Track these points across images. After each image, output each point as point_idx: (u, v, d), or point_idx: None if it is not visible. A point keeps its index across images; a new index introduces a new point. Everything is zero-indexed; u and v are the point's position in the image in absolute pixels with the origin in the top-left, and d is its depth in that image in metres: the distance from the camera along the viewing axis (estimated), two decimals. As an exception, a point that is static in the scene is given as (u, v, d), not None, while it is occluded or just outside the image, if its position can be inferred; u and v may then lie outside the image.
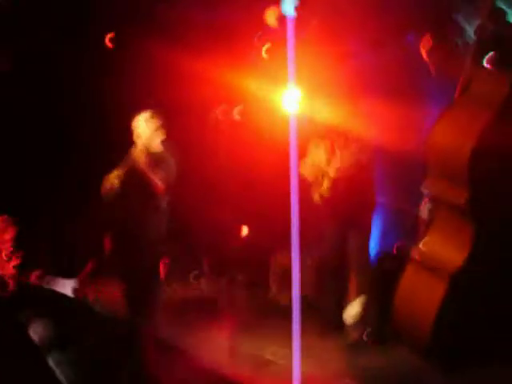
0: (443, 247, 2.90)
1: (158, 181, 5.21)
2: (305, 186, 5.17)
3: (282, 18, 6.59)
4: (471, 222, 2.62)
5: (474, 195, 2.54)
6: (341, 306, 5.49)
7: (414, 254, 3.38)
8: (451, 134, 2.72)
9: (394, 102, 6.21)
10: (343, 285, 5.46)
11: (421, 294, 3.06)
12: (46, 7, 6.64)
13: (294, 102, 6.00)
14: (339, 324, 5.40)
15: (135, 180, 5.17)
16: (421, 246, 3.64)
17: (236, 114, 4.58)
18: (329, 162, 5.02)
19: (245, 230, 6.49)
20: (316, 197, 5.15)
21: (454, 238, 2.78)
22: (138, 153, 5.25)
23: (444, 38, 3.11)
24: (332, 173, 4.94)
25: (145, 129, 5.22)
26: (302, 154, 5.28)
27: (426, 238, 3.16)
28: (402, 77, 6.47)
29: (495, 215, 2.63)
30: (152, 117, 5.28)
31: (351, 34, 7.04)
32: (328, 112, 5.23)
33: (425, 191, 3.06)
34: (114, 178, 5.32)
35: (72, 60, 7.10)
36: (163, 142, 5.29)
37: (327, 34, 6.92)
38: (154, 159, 5.22)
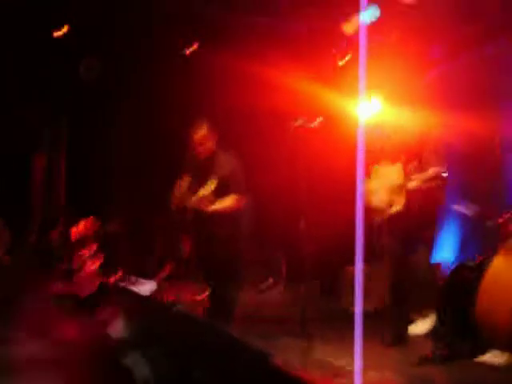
0: None
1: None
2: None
3: (359, 27, 6.60)
4: None
5: None
6: (407, 320, 5.45)
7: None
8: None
9: (476, 111, 6.11)
10: (409, 298, 5.40)
11: (506, 284, 3.14)
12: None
13: (367, 112, 5.98)
14: (406, 337, 5.36)
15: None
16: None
17: (314, 123, 4.61)
18: (403, 178, 4.96)
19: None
20: (381, 213, 5.12)
21: None
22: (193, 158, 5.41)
23: None
24: (406, 189, 4.88)
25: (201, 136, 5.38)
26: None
27: None
28: (487, 85, 6.34)
29: None
30: (206, 124, 5.41)
31: (435, 40, 6.95)
32: (408, 122, 5.16)
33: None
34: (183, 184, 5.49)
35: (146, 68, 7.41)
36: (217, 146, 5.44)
37: (411, 41, 6.86)
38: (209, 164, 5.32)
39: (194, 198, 5.27)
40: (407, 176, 4.91)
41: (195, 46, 7.33)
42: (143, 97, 7.92)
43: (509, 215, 5.21)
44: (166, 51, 7.25)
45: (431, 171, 4.69)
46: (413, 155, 5.00)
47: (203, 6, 6.59)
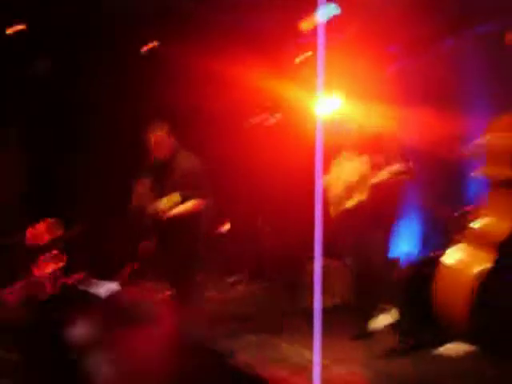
0: (496, 219, 3.20)
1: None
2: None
3: (318, 24, 6.62)
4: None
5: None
6: (371, 314, 5.52)
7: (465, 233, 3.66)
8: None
9: (435, 107, 6.20)
10: (371, 291, 5.46)
11: (464, 270, 3.26)
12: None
13: (325, 109, 6.01)
14: (370, 330, 5.42)
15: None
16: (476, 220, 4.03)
17: (273, 119, 4.62)
18: (365, 172, 4.98)
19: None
20: (342, 206, 5.16)
21: (506, 209, 3.11)
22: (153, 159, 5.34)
23: None
24: (369, 183, 4.91)
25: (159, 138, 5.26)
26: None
27: (481, 215, 3.42)
28: (443, 82, 6.44)
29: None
30: (164, 126, 5.31)
31: (392, 37, 7.03)
32: (368, 118, 5.20)
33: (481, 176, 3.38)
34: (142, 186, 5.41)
35: (105, 66, 7.31)
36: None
37: (367, 37, 6.93)
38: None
39: (155, 206, 5.20)
40: (370, 170, 4.93)
41: (154, 43, 7.25)
42: (101, 96, 7.80)
43: (465, 209, 5.33)
44: (125, 48, 7.16)
45: (399, 165, 4.69)
46: (375, 150, 5.04)
47: (161, 1, 6.52)
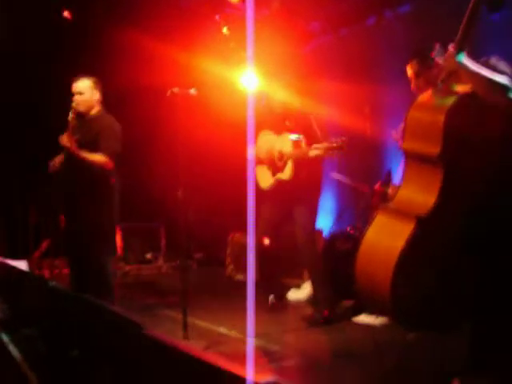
0: (414, 193, 3.25)
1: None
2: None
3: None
4: (441, 169, 3.04)
5: (445, 149, 3.01)
6: (286, 286, 5.60)
7: (385, 204, 3.73)
8: (427, 108, 3.25)
9: (354, 81, 6.30)
10: (288, 264, 5.54)
11: (384, 244, 3.28)
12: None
13: (252, 82, 6.00)
14: (285, 303, 5.52)
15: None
16: (392, 194, 4.11)
17: (191, 91, 4.53)
18: (292, 145, 4.98)
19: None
20: (269, 179, 5.18)
21: (425, 184, 3.17)
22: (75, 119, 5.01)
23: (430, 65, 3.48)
24: (295, 156, 4.92)
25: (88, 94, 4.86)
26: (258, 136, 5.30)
27: (399, 188, 3.47)
28: (362, 57, 6.54)
29: (464, 161, 3.07)
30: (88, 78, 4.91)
31: (312, 14, 7.06)
32: (287, 92, 5.19)
33: (402, 150, 3.44)
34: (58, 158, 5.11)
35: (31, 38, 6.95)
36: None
37: (288, 14, 6.94)
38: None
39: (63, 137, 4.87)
40: (296, 146, 4.94)
41: (68, 13, 6.96)
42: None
43: (383, 184, 5.44)
44: (41, 15, 6.81)
45: (333, 140, 4.67)
46: (298, 126, 5.04)
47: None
